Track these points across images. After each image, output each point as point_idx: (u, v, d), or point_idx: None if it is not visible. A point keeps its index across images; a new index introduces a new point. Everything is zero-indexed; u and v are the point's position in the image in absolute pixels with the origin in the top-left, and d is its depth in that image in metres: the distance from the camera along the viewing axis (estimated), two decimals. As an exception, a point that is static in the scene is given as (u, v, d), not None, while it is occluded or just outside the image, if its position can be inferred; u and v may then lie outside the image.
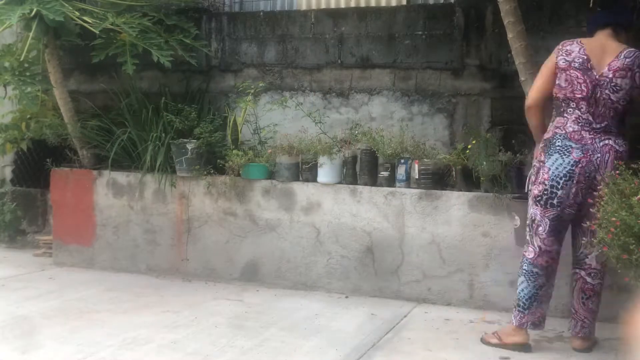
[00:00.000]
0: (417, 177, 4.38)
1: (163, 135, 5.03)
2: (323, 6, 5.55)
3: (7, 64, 5.05)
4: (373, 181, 4.51)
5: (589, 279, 3.42)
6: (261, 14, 5.46)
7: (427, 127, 4.90)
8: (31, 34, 4.77)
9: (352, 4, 5.46)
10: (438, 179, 4.36)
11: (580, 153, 3.25)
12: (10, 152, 5.86)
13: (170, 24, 5.24)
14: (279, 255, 4.69)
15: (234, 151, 4.82)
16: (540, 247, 3.38)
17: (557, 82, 3.34)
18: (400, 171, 4.43)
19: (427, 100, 4.95)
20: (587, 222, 3.21)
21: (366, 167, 4.53)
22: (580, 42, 3.34)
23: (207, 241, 4.90)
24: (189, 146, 4.84)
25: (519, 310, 3.42)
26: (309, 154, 4.62)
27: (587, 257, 3.43)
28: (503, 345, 3.43)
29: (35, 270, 5.12)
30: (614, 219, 3.10)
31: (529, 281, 3.40)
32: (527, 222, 3.45)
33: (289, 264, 4.66)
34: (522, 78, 4.11)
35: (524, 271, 3.43)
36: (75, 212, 5.28)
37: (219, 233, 4.86)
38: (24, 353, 3.35)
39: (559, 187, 3.27)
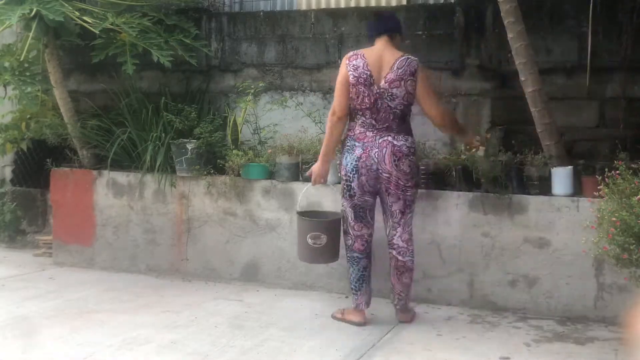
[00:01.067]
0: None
1: (163, 135, 5.03)
2: (323, 6, 5.55)
3: (7, 64, 5.05)
4: (373, 181, 4.50)
5: (399, 257, 3.79)
6: (261, 14, 5.47)
7: (427, 127, 4.89)
8: (31, 34, 4.77)
9: (352, 4, 5.46)
10: (438, 179, 4.36)
11: (361, 150, 3.70)
12: (10, 152, 5.86)
13: (170, 24, 5.24)
14: (279, 255, 4.69)
15: (234, 151, 4.82)
16: (353, 234, 3.83)
17: (350, 95, 3.73)
18: (400, 171, 4.42)
19: (427, 100, 4.94)
20: (393, 206, 3.75)
21: (366, 167, 4.53)
22: (363, 56, 3.71)
23: (207, 241, 4.90)
24: (189, 146, 4.84)
25: (353, 294, 3.88)
26: (309, 154, 4.62)
27: (394, 238, 3.80)
28: (342, 320, 3.88)
29: (35, 270, 5.12)
30: (614, 219, 3.11)
31: (354, 266, 3.86)
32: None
33: (289, 264, 4.66)
34: (522, 78, 4.12)
35: (348, 258, 3.89)
36: (75, 212, 5.28)
37: (219, 233, 4.86)
38: (24, 353, 3.36)
39: (351, 180, 3.74)
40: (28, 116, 5.73)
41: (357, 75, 3.67)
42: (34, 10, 4.53)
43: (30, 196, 6.06)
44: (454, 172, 4.33)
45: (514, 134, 4.65)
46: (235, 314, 4.05)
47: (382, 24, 3.84)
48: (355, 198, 3.77)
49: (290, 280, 4.65)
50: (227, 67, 5.51)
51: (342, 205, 3.85)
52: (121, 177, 5.16)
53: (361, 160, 3.69)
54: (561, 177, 4.05)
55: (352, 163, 3.71)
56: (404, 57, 3.71)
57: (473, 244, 4.20)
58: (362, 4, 5.43)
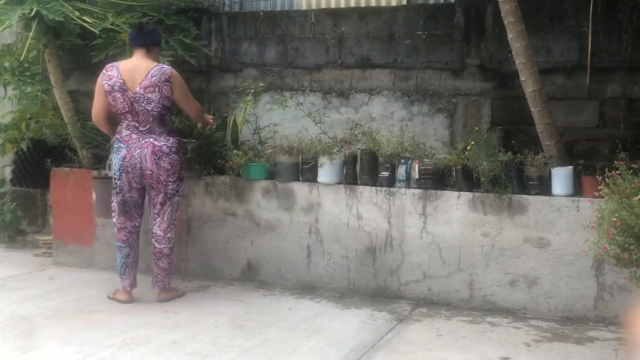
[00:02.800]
0: (417, 177, 4.38)
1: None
2: (323, 6, 5.55)
3: (7, 64, 5.05)
4: (373, 181, 4.51)
5: (156, 244, 4.25)
6: (261, 14, 5.47)
7: (427, 127, 4.91)
8: (31, 34, 4.78)
9: (352, 4, 5.46)
10: (438, 179, 4.36)
11: (125, 151, 4.14)
12: (10, 152, 5.86)
13: (170, 24, 5.24)
14: (279, 255, 4.69)
15: (234, 151, 4.82)
16: (117, 226, 4.27)
17: (108, 100, 4.17)
18: (401, 171, 4.43)
19: (427, 100, 4.95)
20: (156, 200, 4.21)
21: (366, 167, 4.53)
22: (118, 67, 4.15)
23: (207, 241, 4.90)
24: (189, 146, 4.82)
25: (120, 277, 4.31)
26: (309, 154, 4.62)
27: (154, 227, 4.25)
28: (113, 299, 4.28)
29: (35, 270, 5.12)
30: (614, 219, 3.11)
31: (118, 253, 4.31)
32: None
33: (289, 264, 4.66)
34: (522, 78, 4.12)
35: (115, 246, 4.35)
36: (75, 212, 5.27)
37: (219, 233, 4.86)
38: (24, 353, 3.36)
39: (118, 178, 4.19)
40: (28, 116, 5.73)
41: (111, 84, 4.11)
42: (34, 10, 4.53)
43: (30, 196, 6.06)
44: (454, 172, 4.33)
45: (514, 134, 4.66)
46: (235, 314, 4.04)
47: (140, 37, 4.21)
48: (122, 194, 4.22)
49: (290, 280, 4.66)
50: (227, 67, 5.51)
51: (112, 200, 4.27)
52: (121, 177, 5.15)
53: (126, 160, 4.14)
54: (561, 177, 4.05)
55: (119, 163, 4.16)
56: (157, 67, 4.14)
57: (473, 244, 4.20)
58: (362, 4, 5.43)
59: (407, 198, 4.36)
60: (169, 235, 4.25)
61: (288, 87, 5.32)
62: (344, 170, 4.60)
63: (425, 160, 4.39)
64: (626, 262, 3.17)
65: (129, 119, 4.15)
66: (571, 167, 4.09)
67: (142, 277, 4.43)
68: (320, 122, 4.86)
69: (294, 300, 4.35)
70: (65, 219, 5.31)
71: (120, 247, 4.30)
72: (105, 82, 4.12)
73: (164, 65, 4.21)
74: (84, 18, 4.69)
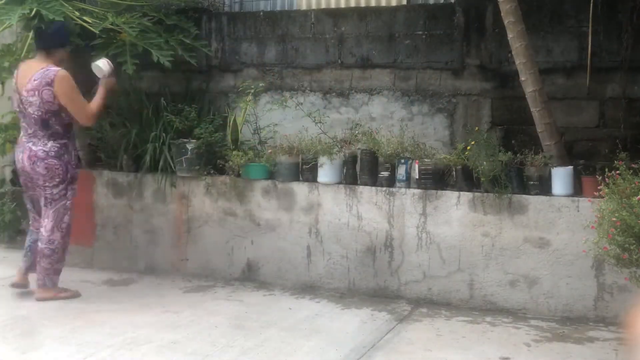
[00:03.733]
0: (417, 177, 4.38)
1: (163, 135, 5.02)
2: (323, 6, 5.55)
3: (7, 64, 5.05)
4: (373, 181, 4.51)
5: (39, 244, 4.27)
6: (261, 14, 5.46)
7: (427, 127, 4.90)
8: (31, 34, 4.77)
9: (352, 4, 5.46)
10: (438, 179, 4.36)
11: (19, 153, 4.28)
12: (10, 152, 5.85)
13: (170, 24, 5.23)
14: (279, 255, 4.69)
15: (234, 151, 4.82)
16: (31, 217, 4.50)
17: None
18: (401, 171, 4.43)
19: (427, 100, 4.95)
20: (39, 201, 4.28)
21: (366, 167, 4.53)
22: (18, 67, 4.27)
23: (207, 241, 4.90)
24: (189, 146, 4.83)
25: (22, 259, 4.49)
26: (309, 154, 4.62)
27: (40, 227, 4.29)
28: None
29: (35, 270, 5.11)
30: (614, 219, 3.11)
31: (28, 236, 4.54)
32: None
33: (289, 264, 4.66)
34: (522, 78, 4.12)
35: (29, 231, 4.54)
36: (75, 212, 5.26)
37: (219, 233, 4.86)
38: (24, 353, 3.36)
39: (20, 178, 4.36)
40: (28, 116, 5.72)
41: (15, 81, 4.25)
42: (34, 10, 4.52)
43: (30, 196, 6.04)
44: (454, 172, 4.33)
45: (514, 134, 4.66)
46: (235, 314, 4.04)
47: (39, 40, 4.29)
48: (25, 193, 4.43)
49: (290, 280, 4.65)
50: (227, 67, 5.51)
51: None
52: (121, 177, 5.15)
53: (16, 162, 4.33)
54: (561, 177, 4.05)
55: (16, 164, 4.35)
56: (43, 69, 4.15)
57: (473, 244, 4.20)
58: (362, 4, 5.43)
59: (407, 198, 4.36)
60: (52, 237, 4.24)
61: (288, 87, 5.32)
62: (344, 170, 4.60)
63: (425, 160, 4.39)
64: (626, 262, 3.17)
65: (21, 121, 4.27)
66: (571, 167, 4.09)
67: (143, 279, 4.42)
68: (320, 122, 4.86)
69: (294, 300, 4.35)
70: (65, 219, 5.30)
71: (31, 232, 4.46)
72: (13, 79, 4.30)
73: (50, 68, 4.18)
74: (84, 18, 4.68)
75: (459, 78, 4.86)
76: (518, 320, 3.96)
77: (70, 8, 4.65)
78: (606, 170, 3.45)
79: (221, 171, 4.89)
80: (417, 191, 4.34)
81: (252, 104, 5.05)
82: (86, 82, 4.60)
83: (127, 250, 5.13)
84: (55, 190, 4.24)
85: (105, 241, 5.19)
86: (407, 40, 5.00)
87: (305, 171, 4.66)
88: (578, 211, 3.95)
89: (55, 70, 4.16)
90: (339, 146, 4.63)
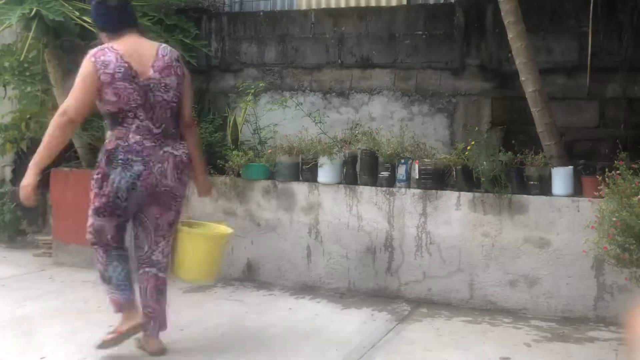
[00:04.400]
0: (417, 177, 4.38)
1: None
2: (323, 6, 5.55)
3: (7, 64, 5.05)
4: (373, 181, 4.51)
5: (160, 274, 3.38)
6: (261, 14, 5.47)
7: (427, 127, 4.90)
8: (31, 34, 4.77)
9: (352, 4, 5.46)
10: (438, 179, 4.36)
11: (142, 167, 3.11)
12: (10, 152, 5.86)
13: (170, 24, 5.24)
14: (279, 255, 4.69)
15: (234, 151, 4.82)
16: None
17: (104, 97, 3.11)
18: (401, 171, 4.43)
19: (427, 100, 4.95)
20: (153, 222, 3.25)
21: (366, 167, 4.53)
22: (112, 48, 3.13)
23: (207, 241, 4.89)
24: (189, 146, 4.82)
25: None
26: (309, 154, 4.62)
27: (154, 253, 3.33)
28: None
29: (35, 270, 5.12)
30: (614, 219, 3.11)
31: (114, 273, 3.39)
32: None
33: (289, 264, 4.66)
34: (522, 78, 4.12)
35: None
36: (75, 212, 5.26)
37: (219, 233, 4.85)
38: (24, 353, 3.35)
39: (124, 199, 3.14)
40: (28, 116, 5.72)
41: (110, 72, 3.08)
42: (34, 10, 4.52)
43: (30, 196, 6.04)
44: (454, 172, 4.33)
45: (514, 134, 4.66)
46: (235, 314, 4.04)
47: (124, 14, 3.30)
48: (116, 218, 3.23)
49: (290, 280, 4.65)
50: (227, 67, 5.51)
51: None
52: (121, 177, 5.14)
53: (142, 178, 3.12)
54: (561, 177, 4.05)
55: (129, 181, 3.11)
56: (163, 46, 3.28)
57: (473, 244, 4.20)
58: (362, 4, 5.43)
59: (407, 198, 4.35)
60: (168, 260, 3.41)
61: (288, 87, 5.32)
62: (344, 170, 4.60)
63: (425, 160, 4.39)
64: (626, 262, 3.17)
65: (141, 117, 3.12)
66: (571, 167, 4.09)
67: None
68: (320, 122, 4.86)
69: (294, 300, 4.35)
70: (65, 219, 5.31)
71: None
72: (101, 71, 3.09)
73: (168, 45, 3.35)
74: (84, 18, 4.68)
75: (459, 78, 4.87)
76: (518, 320, 3.96)
77: (70, 8, 4.65)
78: (606, 170, 3.45)
79: (221, 171, 4.89)
80: (417, 191, 4.34)
81: (252, 104, 5.05)
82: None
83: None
84: (182, 202, 3.32)
85: (105, 241, 5.19)
86: (407, 40, 5.00)
87: (305, 171, 4.66)
88: (578, 211, 3.95)
89: (173, 49, 3.29)
90: (339, 146, 4.63)
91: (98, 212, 3.21)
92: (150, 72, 3.14)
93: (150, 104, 3.12)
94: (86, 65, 3.14)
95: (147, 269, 3.35)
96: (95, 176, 3.18)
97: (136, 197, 3.15)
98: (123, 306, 3.30)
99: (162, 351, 3.34)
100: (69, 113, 3.12)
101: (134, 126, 3.12)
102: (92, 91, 3.12)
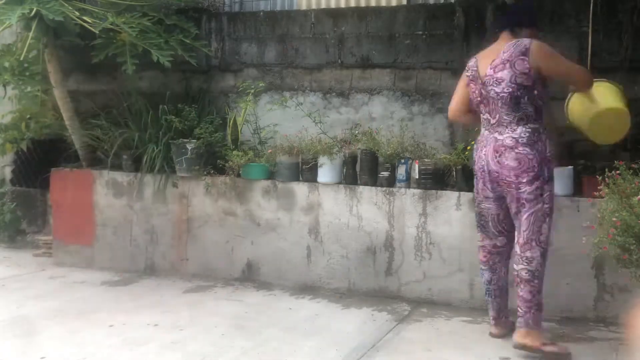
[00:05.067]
0: (417, 177, 4.38)
1: (163, 135, 5.02)
2: (323, 6, 5.55)
3: (7, 64, 5.05)
4: (373, 181, 4.51)
5: (514, 266, 3.44)
6: (261, 13, 5.46)
7: (427, 127, 4.90)
8: (31, 34, 4.77)
9: (352, 4, 5.46)
10: (438, 179, 4.36)
11: (475, 153, 3.55)
12: (10, 152, 5.86)
13: (170, 24, 5.23)
14: (279, 255, 4.69)
15: (234, 151, 4.82)
16: (478, 243, 3.68)
17: (469, 94, 3.60)
18: (401, 171, 4.43)
19: (427, 100, 4.95)
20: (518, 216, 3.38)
21: (366, 167, 4.53)
22: (476, 55, 3.59)
23: (207, 241, 4.90)
24: (189, 146, 4.83)
25: (487, 305, 3.69)
26: (309, 154, 4.62)
27: (515, 244, 3.43)
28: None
29: (35, 270, 5.12)
30: (614, 219, 3.11)
31: (481, 277, 3.68)
32: None
33: (289, 264, 4.66)
34: (522, 78, 4.10)
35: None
36: (75, 212, 5.28)
37: (219, 233, 4.86)
38: (24, 353, 3.36)
39: (475, 184, 3.59)
40: (28, 116, 5.73)
41: (469, 74, 3.58)
42: (34, 10, 4.52)
43: (30, 196, 6.05)
44: (454, 172, 4.33)
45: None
46: (235, 314, 4.04)
47: (500, 19, 3.67)
48: (477, 205, 3.62)
49: (290, 280, 4.65)
50: (227, 67, 5.51)
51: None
52: (121, 177, 5.16)
53: (476, 162, 3.54)
54: (561, 177, 4.04)
55: (475, 165, 3.57)
56: (515, 41, 3.40)
57: (473, 244, 4.18)
58: (362, 4, 5.43)
59: (407, 198, 4.35)
60: (527, 254, 3.30)
61: (288, 87, 5.32)
62: (344, 170, 4.60)
63: (425, 160, 4.39)
64: (626, 262, 3.17)
65: (482, 112, 3.49)
66: (571, 167, 4.09)
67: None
68: (320, 122, 4.86)
69: (294, 300, 4.35)
70: (65, 219, 5.32)
71: (481, 270, 3.64)
72: (466, 73, 3.60)
73: (524, 39, 3.39)
74: (84, 18, 4.68)
75: (459, 78, 4.86)
76: (518, 320, 3.96)
77: (70, 8, 4.65)
78: (606, 170, 3.44)
79: (221, 171, 4.89)
80: (417, 191, 4.34)
81: (252, 104, 5.05)
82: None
83: (127, 250, 5.13)
84: (528, 189, 3.30)
85: (105, 241, 5.20)
86: (407, 40, 4.99)
87: (305, 171, 4.66)
88: (578, 211, 3.95)
89: (530, 40, 3.36)
90: (339, 146, 4.63)
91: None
92: (488, 70, 3.45)
93: (486, 99, 3.46)
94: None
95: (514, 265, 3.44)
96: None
97: (477, 181, 3.57)
98: None
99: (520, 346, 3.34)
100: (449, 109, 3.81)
101: (481, 119, 3.55)
102: (462, 89, 3.70)
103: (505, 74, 3.37)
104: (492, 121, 3.45)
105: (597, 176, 3.55)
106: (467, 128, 3.81)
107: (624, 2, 4.38)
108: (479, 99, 3.51)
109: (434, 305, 4.24)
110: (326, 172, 4.55)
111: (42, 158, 5.52)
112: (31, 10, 4.53)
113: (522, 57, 3.33)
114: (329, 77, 5.22)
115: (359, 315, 4.05)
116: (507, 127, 3.38)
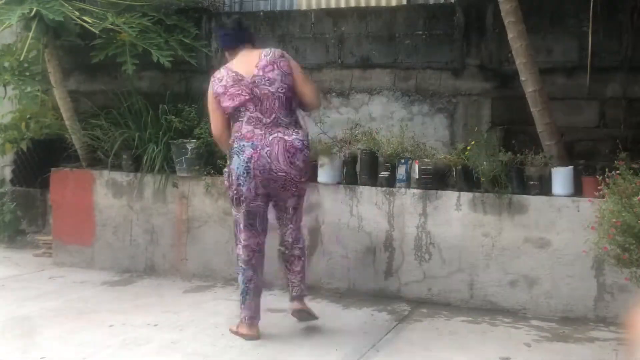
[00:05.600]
0: (417, 177, 4.38)
1: (163, 135, 5.02)
2: (323, 6, 5.55)
3: (7, 64, 5.05)
4: (373, 181, 4.50)
5: (286, 251, 3.75)
6: (261, 13, 5.46)
7: (427, 127, 4.90)
8: (31, 34, 4.77)
9: (352, 4, 5.46)
10: (438, 179, 4.36)
11: (251, 150, 3.50)
12: (10, 152, 5.86)
13: (170, 24, 5.24)
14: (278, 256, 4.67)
15: (234, 151, 4.81)
16: (241, 242, 3.63)
17: (222, 105, 3.61)
18: (401, 171, 4.42)
19: (427, 100, 4.95)
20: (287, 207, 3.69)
21: (366, 167, 4.53)
22: (226, 66, 3.69)
23: (207, 241, 4.90)
24: (189, 146, 4.83)
25: (240, 305, 3.66)
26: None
27: (285, 235, 3.74)
28: (235, 333, 3.64)
29: (35, 270, 5.12)
30: (614, 219, 3.11)
31: (240, 276, 3.65)
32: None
33: (289, 264, 4.65)
34: (522, 78, 4.12)
35: (237, 268, 3.72)
36: (75, 212, 5.27)
37: (219, 233, 4.86)
38: (24, 353, 3.35)
39: (243, 184, 3.52)
40: (28, 116, 5.73)
41: (223, 83, 3.60)
42: (34, 10, 4.53)
43: (30, 196, 6.05)
44: (454, 172, 4.33)
45: (514, 134, 4.65)
46: (235, 314, 4.03)
47: (244, 34, 3.83)
48: (246, 204, 3.55)
49: (290, 280, 4.64)
50: (227, 67, 5.50)
51: (234, 215, 3.68)
52: (121, 177, 5.15)
53: (253, 160, 3.49)
54: (561, 177, 4.05)
55: (243, 165, 3.50)
56: (267, 49, 3.70)
57: (473, 244, 4.20)
58: (362, 4, 5.43)
59: (407, 198, 4.35)
60: (301, 236, 3.78)
61: (288, 87, 5.31)
62: (344, 170, 4.60)
63: (425, 160, 4.39)
64: (626, 262, 3.17)
65: (251, 110, 3.54)
66: (571, 167, 4.09)
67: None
68: (320, 122, 4.86)
69: (294, 300, 4.34)
70: (65, 219, 5.31)
71: (243, 270, 3.63)
72: (216, 85, 3.63)
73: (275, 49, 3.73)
74: (84, 18, 4.68)
75: (459, 78, 4.86)
76: (518, 320, 3.96)
77: (70, 8, 4.65)
78: (606, 170, 3.44)
79: (221, 171, 4.87)
80: (417, 191, 4.33)
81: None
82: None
83: (127, 250, 5.13)
84: (304, 187, 3.71)
85: (105, 241, 5.19)
86: (407, 40, 4.99)
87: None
88: (578, 211, 3.95)
89: (278, 49, 3.72)
90: (339, 146, 4.62)
91: (231, 202, 3.66)
92: (255, 71, 3.58)
93: (257, 98, 3.56)
94: (209, 89, 3.71)
95: (280, 248, 3.79)
96: (225, 171, 3.66)
97: (249, 181, 3.52)
98: None
99: (306, 308, 3.75)
100: (215, 137, 3.78)
101: (245, 118, 3.57)
102: (217, 108, 3.66)
103: (275, 75, 3.61)
104: (266, 120, 3.57)
105: (597, 176, 3.55)
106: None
107: (624, 2, 4.38)
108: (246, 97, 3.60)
109: (434, 305, 4.24)
110: (326, 172, 4.55)
111: (42, 158, 5.52)
112: (31, 10, 4.53)
113: (282, 60, 3.65)
114: (329, 77, 5.22)
115: (359, 315, 4.05)
116: (287, 127, 3.58)
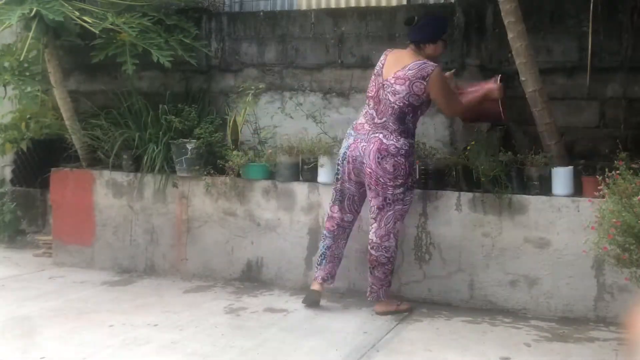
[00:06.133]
0: (417, 177, 4.37)
1: (163, 135, 5.02)
2: (323, 6, 5.55)
3: (7, 64, 5.05)
4: (373, 181, 4.50)
5: (372, 252, 3.99)
6: (261, 13, 5.46)
7: (427, 127, 4.90)
8: (31, 34, 4.77)
9: (352, 4, 5.46)
10: (438, 179, 4.35)
11: (352, 140, 4.01)
12: (10, 152, 5.86)
13: (170, 24, 5.23)
14: (279, 255, 4.69)
15: (234, 151, 4.82)
16: (328, 213, 4.19)
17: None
18: (401, 171, 4.42)
19: (427, 100, 4.94)
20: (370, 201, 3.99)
21: (366, 167, 4.53)
22: (387, 52, 4.09)
23: (207, 241, 4.90)
24: (189, 146, 4.83)
25: (315, 266, 4.22)
26: (309, 154, 4.61)
27: (370, 233, 4.01)
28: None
29: (35, 270, 5.12)
30: (614, 219, 3.11)
31: (321, 242, 4.21)
32: None
33: (289, 264, 4.66)
34: (522, 78, 4.12)
35: (321, 235, 4.27)
36: (75, 212, 5.28)
37: (219, 233, 4.86)
38: (24, 353, 3.35)
39: (340, 164, 4.07)
40: (28, 116, 5.73)
41: (375, 71, 4.07)
42: (34, 10, 4.53)
43: (30, 196, 6.05)
44: (454, 172, 4.33)
45: (514, 134, 4.65)
46: (235, 314, 4.04)
47: (409, 32, 4.13)
48: (340, 182, 4.09)
49: (290, 280, 4.65)
50: (227, 67, 5.51)
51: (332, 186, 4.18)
52: (121, 177, 5.15)
53: (350, 149, 4.00)
54: (561, 177, 4.05)
55: (343, 150, 4.06)
56: (418, 62, 3.93)
57: (473, 244, 4.20)
58: (362, 4, 5.43)
59: (407, 198, 4.35)
60: (386, 243, 3.95)
61: (288, 87, 5.32)
62: (344, 170, 4.60)
63: (426, 160, 4.39)
64: (626, 263, 3.17)
65: (370, 106, 4.00)
66: (571, 167, 4.09)
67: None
68: (320, 122, 4.86)
69: (294, 300, 4.34)
70: (65, 219, 5.31)
71: (324, 236, 4.16)
72: (377, 66, 4.09)
73: (429, 63, 3.95)
74: (84, 18, 4.68)
75: (459, 78, 4.84)
76: (518, 320, 3.96)
77: (70, 8, 4.65)
78: (606, 170, 3.44)
79: (221, 171, 4.88)
80: (417, 191, 4.33)
81: (252, 105, 5.04)
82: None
83: (127, 250, 5.13)
84: (397, 191, 3.91)
85: (105, 241, 5.19)
86: (407, 40, 4.99)
87: (305, 171, 4.66)
88: (578, 211, 3.95)
89: (432, 66, 3.92)
90: (339, 146, 4.62)
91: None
92: (389, 77, 3.95)
93: (378, 98, 3.98)
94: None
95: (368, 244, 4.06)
96: None
97: (345, 165, 4.04)
98: None
99: (378, 311, 4.04)
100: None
101: (363, 111, 4.09)
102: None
103: (402, 89, 3.91)
104: (377, 120, 3.96)
105: (597, 176, 3.55)
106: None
107: (624, 2, 4.38)
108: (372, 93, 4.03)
109: (434, 305, 4.24)
110: (326, 172, 4.54)
111: (42, 158, 5.52)
112: (31, 10, 4.53)
113: (421, 81, 3.90)
114: (329, 77, 5.22)
115: (359, 315, 4.05)
116: (391, 134, 3.92)
